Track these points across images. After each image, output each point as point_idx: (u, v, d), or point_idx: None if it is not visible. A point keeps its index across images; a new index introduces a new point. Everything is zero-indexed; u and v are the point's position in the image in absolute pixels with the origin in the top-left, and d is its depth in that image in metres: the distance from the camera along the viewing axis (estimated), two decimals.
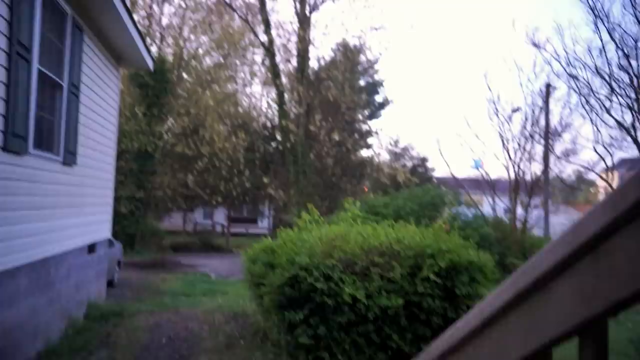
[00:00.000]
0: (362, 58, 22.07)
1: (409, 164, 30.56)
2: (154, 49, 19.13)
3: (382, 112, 28.57)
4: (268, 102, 21.82)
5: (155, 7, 20.22)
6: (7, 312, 4.11)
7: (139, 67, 8.18)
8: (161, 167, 18.41)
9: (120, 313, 6.81)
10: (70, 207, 5.67)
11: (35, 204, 4.59)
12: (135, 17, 19.69)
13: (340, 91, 16.44)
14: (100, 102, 6.63)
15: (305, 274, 3.27)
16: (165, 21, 20.65)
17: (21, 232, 4.29)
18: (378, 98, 27.87)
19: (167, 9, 20.79)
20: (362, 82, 25.86)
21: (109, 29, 6.23)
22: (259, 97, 21.46)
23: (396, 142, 30.18)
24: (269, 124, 22.94)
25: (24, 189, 4.29)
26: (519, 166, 13.22)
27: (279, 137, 17.75)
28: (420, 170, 28.91)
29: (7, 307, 4.13)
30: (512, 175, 13.26)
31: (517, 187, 13.16)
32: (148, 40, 19.01)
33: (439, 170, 31.36)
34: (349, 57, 17.17)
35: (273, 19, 15.73)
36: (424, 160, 29.80)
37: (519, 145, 13.15)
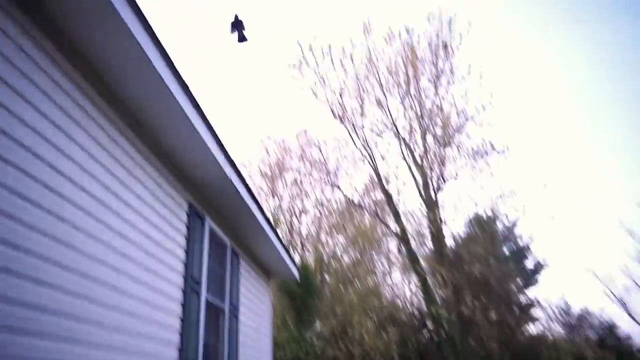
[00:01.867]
0: (499, 226, 21.15)
1: (592, 335, 25.52)
2: (296, 257, 20.74)
3: (538, 277, 25.63)
4: (411, 290, 21.15)
5: (294, 219, 22.75)
6: None
7: (287, 277, 8.70)
8: None
9: None
10: None
11: None
12: (279, 231, 22.20)
13: (485, 265, 15.44)
14: (255, 318, 6.96)
15: None
16: (304, 230, 22.86)
17: None
18: (528, 264, 25.39)
19: (305, 219, 23.19)
20: (505, 251, 24.16)
21: (260, 250, 6.92)
22: (400, 286, 21.07)
23: (567, 311, 26.03)
24: (416, 312, 21.77)
25: None
26: None
27: (430, 326, 16.55)
28: (609, 342, 23.78)
29: None
30: None
31: None
32: (291, 249, 20.81)
33: (637, 335, 25.48)
34: (484, 228, 16.57)
35: (401, 208, 16.51)
36: (612, 327, 24.70)
37: None
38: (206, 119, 3.92)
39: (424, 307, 17.20)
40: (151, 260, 3.72)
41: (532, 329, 21.99)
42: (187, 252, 4.45)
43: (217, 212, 5.42)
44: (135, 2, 2.82)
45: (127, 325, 3.31)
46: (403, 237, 15.54)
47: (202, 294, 4.70)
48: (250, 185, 5.20)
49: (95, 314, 2.94)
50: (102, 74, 3.14)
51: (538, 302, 23.30)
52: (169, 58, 3.26)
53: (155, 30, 3.05)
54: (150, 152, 3.87)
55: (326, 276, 21.49)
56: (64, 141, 2.76)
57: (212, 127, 4.05)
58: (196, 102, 3.70)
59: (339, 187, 18.50)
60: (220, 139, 4.28)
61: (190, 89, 3.57)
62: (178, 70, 3.37)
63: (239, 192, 4.93)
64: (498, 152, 16.21)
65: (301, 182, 21.71)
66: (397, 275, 26.30)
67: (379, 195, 18.83)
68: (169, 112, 3.57)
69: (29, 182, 2.45)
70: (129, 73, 3.15)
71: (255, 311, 7.02)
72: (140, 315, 3.48)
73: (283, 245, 7.29)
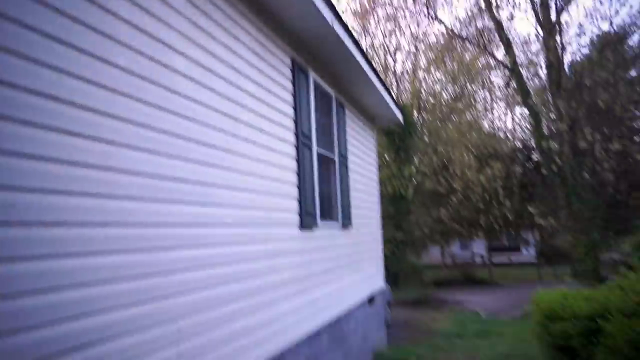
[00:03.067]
0: (632, 42, 18.17)
1: None
2: None
3: None
4: (516, 124, 20.10)
5: (389, 57, 21.61)
6: None
7: (391, 121, 8.58)
8: (415, 207, 18.84)
9: None
10: (351, 265, 6.14)
11: (326, 268, 5.09)
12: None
13: (613, 93, 13.76)
14: (363, 164, 7.15)
15: None
16: (399, 69, 21.79)
17: (321, 295, 4.79)
18: None
19: (399, 56, 21.91)
20: (632, 73, 21.24)
21: (364, 97, 6.74)
22: (504, 121, 20.04)
23: None
24: (519, 146, 21.00)
25: (317, 258, 4.81)
26: None
27: (538, 159, 15.94)
28: None
29: None
30: None
31: None
32: None
33: None
34: (612, 49, 14.31)
35: (512, 35, 14.64)
36: None
37: None
38: None
39: (532, 143, 16.42)
40: (262, 121, 3.76)
41: None
42: (294, 108, 4.42)
43: (320, 64, 5.19)
44: None
45: (252, 184, 3.52)
46: (513, 69, 14.12)
47: (313, 148, 4.81)
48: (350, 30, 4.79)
49: (220, 177, 3.12)
50: None
51: None
52: None
53: None
54: (249, 10, 3.60)
55: (423, 114, 21.02)
56: (161, 9, 2.60)
57: None
58: None
59: (438, 19, 16.68)
60: None
61: None
62: None
63: (342, 40, 4.59)
64: None
65: (395, 15, 19.91)
66: (501, 110, 24.87)
67: (485, 22, 16.78)
68: None
69: (124, 50, 2.41)
70: None
71: (362, 157, 7.17)
72: (258, 174, 3.66)
73: (387, 90, 7.00)
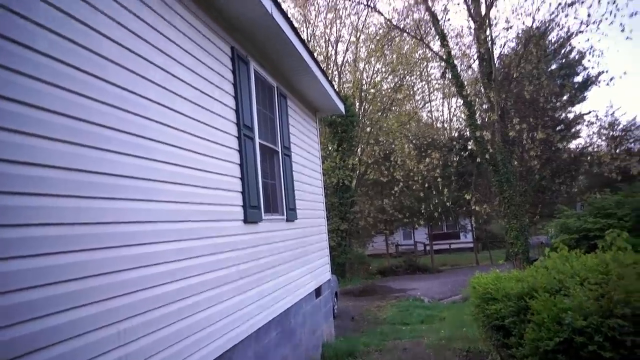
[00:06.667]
0: (552, 38, 19.48)
1: (635, 146, 25.41)
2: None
3: (588, 93, 24.54)
4: (452, 114, 20.95)
5: (330, 48, 21.70)
6: None
7: (334, 112, 8.61)
8: (359, 197, 19.18)
9: (352, 353, 7.02)
10: (298, 258, 6.11)
11: (272, 262, 5.03)
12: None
13: (537, 85, 14.67)
14: (307, 156, 7.12)
15: (583, 339, 2.68)
16: (340, 59, 21.97)
17: (268, 289, 4.73)
18: (578, 79, 24.15)
19: (341, 47, 22.09)
20: (553, 66, 22.80)
21: (306, 88, 6.69)
22: (441, 111, 20.84)
23: (612, 124, 25.50)
24: (456, 135, 21.94)
25: (263, 252, 4.74)
26: None
27: (473, 148, 16.72)
28: None
29: (265, 359, 4.55)
30: None
31: None
32: None
33: None
34: (539, 44, 15.25)
35: (446, 28, 15.19)
36: None
37: None
38: None
39: (467, 132, 17.17)
40: (202, 112, 3.62)
41: (575, 144, 22.02)
42: (235, 98, 4.30)
43: (262, 54, 5.07)
44: None
45: (194, 178, 3.38)
46: (448, 61, 14.66)
47: (255, 139, 4.71)
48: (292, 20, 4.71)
49: (160, 171, 2.97)
50: None
51: (583, 117, 22.82)
52: None
53: None
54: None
55: (365, 104, 21.38)
56: None
57: None
58: None
59: (377, 10, 16.96)
60: None
61: None
62: None
63: (282, 29, 4.50)
64: None
65: (335, 6, 20.00)
66: (438, 100, 25.85)
67: (422, 14, 17.26)
68: None
69: (65, 43, 2.21)
70: None
71: (306, 148, 7.14)
72: (202, 168, 3.53)
73: (329, 81, 7.00)
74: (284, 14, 4.50)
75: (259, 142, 4.84)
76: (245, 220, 4.28)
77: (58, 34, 2.15)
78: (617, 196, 12.17)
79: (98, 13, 2.46)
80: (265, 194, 4.99)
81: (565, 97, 23.93)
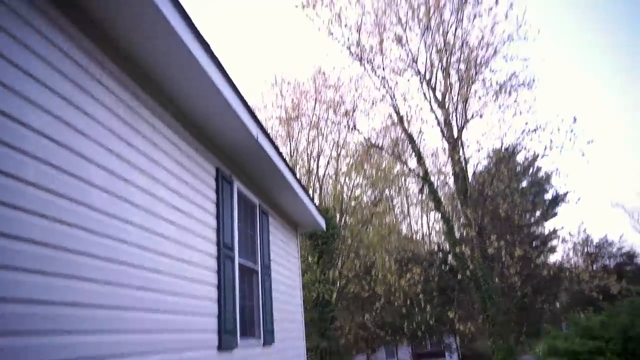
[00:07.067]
0: (520, 159, 20.74)
1: (610, 263, 25.79)
2: (315, 199, 20.80)
3: (558, 209, 25.51)
4: (431, 228, 21.29)
5: (312, 162, 22.56)
6: None
7: (314, 228, 8.63)
8: (339, 311, 18.48)
9: None
10: None
11: None
12: (297, 175, 22.11)
13: (510, 203, 15.26)
14: (286, 273, 6.95)
15: None
16: (321, 172, 22.73)
17: None
18: (547, 196, 25.27)
19: (322, 161, 22.99)
20: (524, 184, 23.94)
21: (287, 205, 6.77)
22: (420, 225, 21.21)
23: (586, 241, 26.13)
24: (436, 249, 22.04)
25: None
26: None
27: (453, 263, 16.73)
28: (629, 269, 24.02)
29: None
30: None
31: None
32: (310, 192, 20.86)
33: None
34: (506, 163, 16.18)
35: (422, 147, 16.13)
36: (631, 256, 24.86)
37: None
38: (232, 82, 3.58)
39: (446, 246, 17.32)
40: (184, 234, 3.57)
41: (552, 260, 22.26)
42: (217, 218, 4.28)
43: (245, 173, 5.20)
44: None
45: (166, 304, 3.21)
46: (425, 178, 15.29)
47: (235, 259, 4.60)
48: (272, 137, 4.93)
49: (132, 298, 2.82)
50: (127, 50, 2.80)
51: (557, 234, 23.41)
52: (189, 18, 2.88)
53: None
54: (175, 120, 3.59)
55: (346, 217, 21.65)
56: (81, 120, 2.49)
57: (238, 91, 3.72)
58: (221, 65, 3.35)
59: (356, 129, 18.06)
60: (247, 101, 3.96)
61: (215, 51, 3.20)
62: (199, 31, 3.00)
63: (267, 153, 4.67)
64: (524, 85, 15.43)
65: (317, 124, 21.25)
66: (416, 214, 26.44)
67: (398, 133, 18.39)
68: (193, 77, 3.24)
69: (50, 170, 2.22)
70: (141, 33, 2.80)
71: (286, 265, 7.00)
72: (177, 292, 3.38)
73: (310, 199, 7.12)
74: (269, 138, 4.71)
75: (239, 262, 4.72)
76: (220, 347, 3.99)
77: (47, 162, 2.17)
78: (601, 316, 12.02)
79: (83, 138, 2.52)
80: (242, 316, 4.74)
81: (538, 213, 24.77)
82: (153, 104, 3.29)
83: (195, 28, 2.97)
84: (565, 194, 23.71)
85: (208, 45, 3.16)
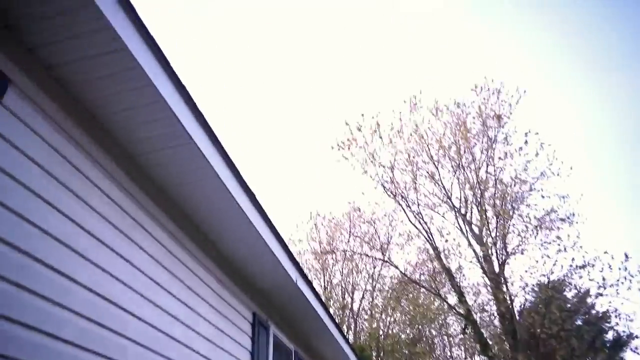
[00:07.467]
0: (569, 295, 19.31)
1: None
2: (350, 336, 19.58)
3: (625, 355, 22.79)
4: None
5: (347, 296, 21.78)
6: None
7: None
8: None
9: None
10: None
11: None
12: (331, 310, 21.25)
13: (567, 347, 13.87)
14: None
15: None
16: (356, 307, 21.74)
17: None
18: (608, 336, 22.85)
19: (357, 295, 22.16)
20: (578, 321, 21.92)
21: (323, 348, 6.37)
22: None
23: None
24: None
25: None
26: None
27: None
28: None
29: None
30: None
31: None
32: (344, 328, 19.77)
33: None
34: (555, 300, 15.06)
35: (462, 282, 15.42)
36: None
37: None
38: (274, 228, 3.65)
39: None
40: None
41: None
42: None
43: (282, 318, 5.02)
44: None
45: None
46: (467, 317, 14.33)
47: None
48: (306, 270, 4.81)
49: None
50: (172, 196, 2.97)
51: None
52: (235, 167, 3.04)
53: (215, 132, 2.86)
54: (215, 264, 3.61)
55: (382, 354, 20.07)
56: (126, 268, 2.53)
57: (279, 235, 3.77)
58: (264, 212, 3.45)
59: (392, 263, 17.67)
60: (287, 244, 3.99)
61: (258, 198, 3.33)
62: (246, 182, 3.16)
63: (306, 297, 4.54)
64: (565, 221, 15.05)
65: (352, 257, 21.02)
66: (459, 355, 24.28)
67: (434, 267, 17.77)
68: (235, 223, 3.33)
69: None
70: (192, 185, 2.96)
71: None
72: None
73: (347, 342, 6.69)
74: (308, 282, 4.61)
75: None
76: None
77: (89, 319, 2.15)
78: None
79: (128, 290, 2.52)
80: None
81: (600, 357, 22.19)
82: (196, 249, 3.34)
83: (241, 177, 3.10)
84: (631, 336, 21.38)
85: (253, 194, 3.29)
